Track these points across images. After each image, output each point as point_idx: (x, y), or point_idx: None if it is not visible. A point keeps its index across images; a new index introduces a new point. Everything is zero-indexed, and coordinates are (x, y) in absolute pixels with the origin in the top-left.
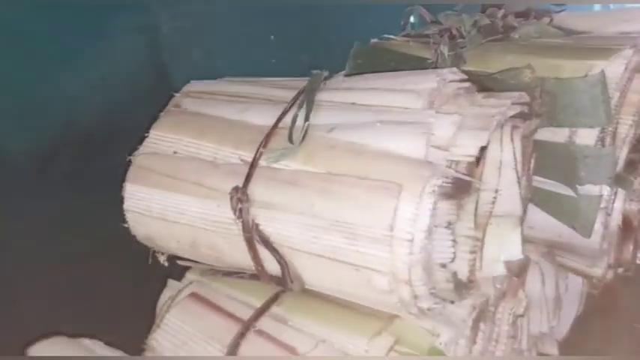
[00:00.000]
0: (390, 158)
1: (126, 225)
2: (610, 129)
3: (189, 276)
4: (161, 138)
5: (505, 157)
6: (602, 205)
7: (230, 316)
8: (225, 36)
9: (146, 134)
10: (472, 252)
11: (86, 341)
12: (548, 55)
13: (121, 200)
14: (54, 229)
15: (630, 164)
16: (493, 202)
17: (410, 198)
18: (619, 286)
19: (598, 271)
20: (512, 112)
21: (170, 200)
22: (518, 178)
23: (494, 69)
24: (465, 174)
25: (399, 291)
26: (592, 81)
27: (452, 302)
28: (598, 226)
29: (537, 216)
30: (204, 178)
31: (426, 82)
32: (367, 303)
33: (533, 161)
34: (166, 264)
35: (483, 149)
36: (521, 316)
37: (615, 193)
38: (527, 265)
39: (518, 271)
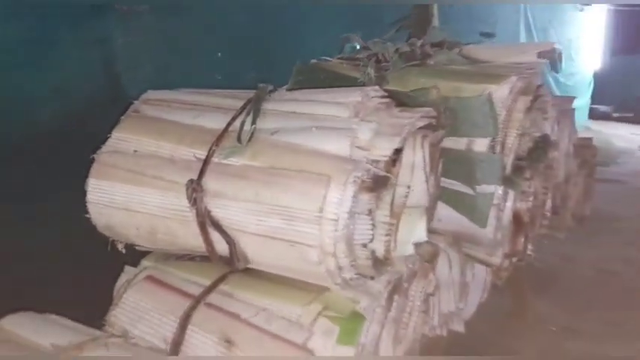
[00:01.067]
0: (321, 156)
1: (87, 216)
2: (499, 139)
3: (144, 262)
4: (122, 139)
5: (417, 160)
6: (495, 202)
7: (183, 293)
8: (175, 51)
9: (108, 135)
10: (387, 235)
11: (53, 316)
12: (452, 78)
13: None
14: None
15: (518, 169)
16: (406, 196)
17: (336, 186)
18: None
19: (496, 259)
20: (421, 123)
21: (133, 192)
22: (426, 176)
23: (410, 88)
24: (382, 171)
25: (327, 262)
26: (482, 100)
27: (372, 278)
28: (492, 220)
29: (444, 211)
30: (164, 172)
31: (353, 96)
32: (301, 276)
33: (440, 165)
34: (124, 251)
35: (398, 152)
36: (432, 294)
37: (507, 194)
38: (437, 252)
39: (429, 257)
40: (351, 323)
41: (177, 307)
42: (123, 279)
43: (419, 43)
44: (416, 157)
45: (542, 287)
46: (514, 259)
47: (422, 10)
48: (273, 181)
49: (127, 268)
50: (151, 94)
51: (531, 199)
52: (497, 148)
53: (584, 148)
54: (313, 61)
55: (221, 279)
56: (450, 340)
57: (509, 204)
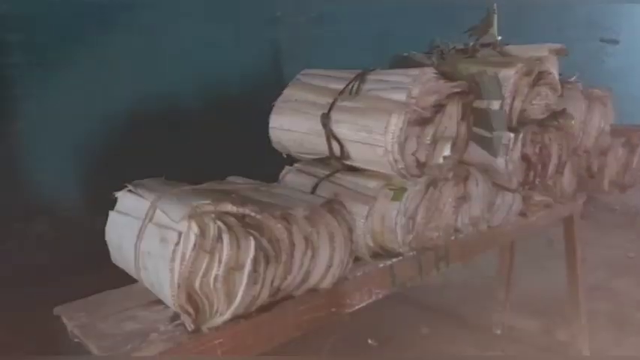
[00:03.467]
0: (390, 101)
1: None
2: (508, 102)
3: (295, 164)
4: (288, 93)
5: (453, 112)
6: (505, 142)
7: (315, 177)
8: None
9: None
10: (427, 150)
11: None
12: (484, 65)
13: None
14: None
15: (518, 123)
16: (444, 131)
17: (395, 115)
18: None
19: (513, 185)
20: (457, 90)
21: (293, 121)
22: (457, 122)
23: (458, 71)
24: (427, 114)
25: (387, 156)
26: (493, 77)
27: (419, 176)
28: (503, 155)
29: (474, 148)
30: (310, 109)
31: (414, 72)
32: (377, 167)
33: (472, 118)
34: (285, 157)
35: (442, 106)
36: (462, 198)
37: (515, 138)
38: (468, 173)
39: (459, 173)
40: (400, 191)
41: (310, 183)
42: (284, 171)
43: (472, 43)
44: (453, 110)
45: None
46: (527, 187)
47: (486, 19)
48: (364, 113)
49: (287, 167)
50: (306, 70)
51: (538, 147)
52: (507, 108)
53: (633, 132)
54: (405, 53)
55: (337, 170)
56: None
57: (518, 145)
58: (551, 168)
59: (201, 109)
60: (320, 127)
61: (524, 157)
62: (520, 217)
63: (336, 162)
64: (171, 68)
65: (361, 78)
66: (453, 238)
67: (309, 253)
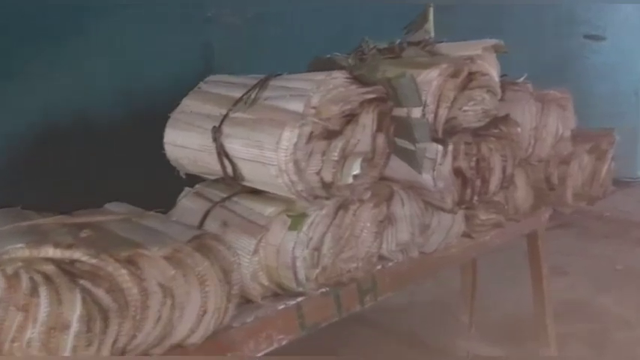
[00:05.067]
0: (285, 111)
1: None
2: (432, 109)
3: (196, 185)
4: (186, 104)
5: (367, 122)
6: (431, 157)
7: (210, 200)
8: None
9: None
10: (334, 168)
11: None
12: (406, 66)
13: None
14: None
15: (446, 132)
16: (356, 145)
17: (288, 129)
18: None
19: (447, 205)
20: (370, 96)
21: (186, 136)
22: (372, 133)
23: (380, 74)
24: (333, 126)
25: (282, 177)
26: (408, 80)
27: (327, 198)
28: (430, 170)
29: (398, 163)
30: (203, 123)
31: (320, 76)
32: (273, 189)
33: (392, 128)
34: (184, 177)
35: (353, 115)
36: (384, 221)
37: (444, 152)
38: (391, 192)
39: (380, 197)
40: (298, 218)
41: (204, 207)
42: (183, 193)
43: (398, 41)
44: (367, 120)
45: None
46: (463, 206)
47: (421, 15)
48: (256, 126)
49: (187, 188)
50: (211, 77)
51: (474, 159)
52: (430, 116)
53: (602, 136)
54: (328, 56)
55: (234, 193)
56: None
57: (448, 159)
58: (495, 183)
59: (117, 122)
60: (210, 142)
61: (458, 172)
62: (465, 238)
63: (236, 182)
64: (87, 78)
65: (262, 84)
66: (379, 267)
67: (169, 302)
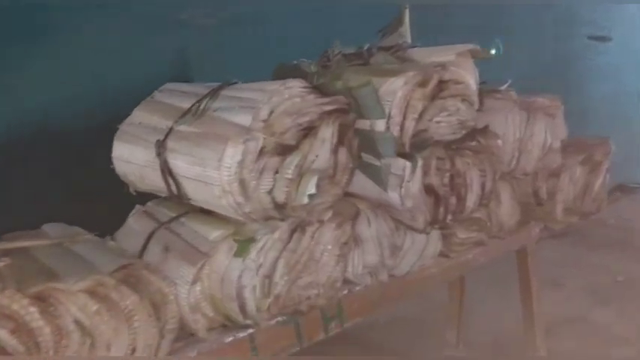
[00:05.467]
0: (231, 125)
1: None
2: (397, 121)
3: (148, 203)
4: (136, 115)
5: (327, 135)
6: (398, 173)
7: (157, 220)
8: None
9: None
10: (287, 187)
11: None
12: (372, 74)
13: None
14: None
15: (414, 146)
16: (313, 161)
17: (232, 144)
18: None
19: (418, 224)
20: (328, 108)
21: (132, 150)
22: (332, 149)
23: (344, 82)
24: (289, 141)
25: (226, 197)
26: (369, 90)
27: (281, 220)
28: (396, 188)
29: (363, 179)
30: (149, 136)
31: (274, 85)
32: (218, 209)
33: (356, 142)
34: (134, 193)
35: (311, 128)
36: (346, 243)
37: (413, 168)
38: (357, 211)
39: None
40: (245, 243)
41: (149, 229)
42: (133, 211)
43: (366, 46)
44: (327, 134)
45: None
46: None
47: (397, 18)
48: (200, 141)
49: (137, 206)
50: (167, 85)
51: (448, 175)
52: (396, 129)
53: (596, 146)
54: (294, 62)
55: (182, 214)
56: None
57: (417, 175)
58: (472, 200)
59: (81, 132)
60: (154, 157)
61: (429, 190)
62: (443, 258)
63: (177, 200)
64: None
65: (213, 94)
66: (345, 292)
67: (88, 341)
